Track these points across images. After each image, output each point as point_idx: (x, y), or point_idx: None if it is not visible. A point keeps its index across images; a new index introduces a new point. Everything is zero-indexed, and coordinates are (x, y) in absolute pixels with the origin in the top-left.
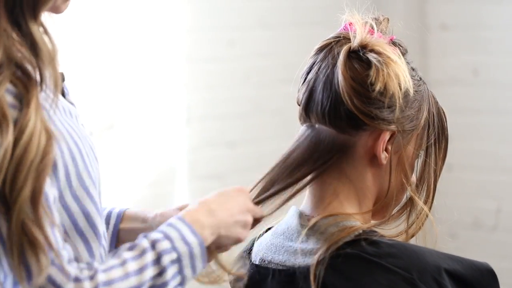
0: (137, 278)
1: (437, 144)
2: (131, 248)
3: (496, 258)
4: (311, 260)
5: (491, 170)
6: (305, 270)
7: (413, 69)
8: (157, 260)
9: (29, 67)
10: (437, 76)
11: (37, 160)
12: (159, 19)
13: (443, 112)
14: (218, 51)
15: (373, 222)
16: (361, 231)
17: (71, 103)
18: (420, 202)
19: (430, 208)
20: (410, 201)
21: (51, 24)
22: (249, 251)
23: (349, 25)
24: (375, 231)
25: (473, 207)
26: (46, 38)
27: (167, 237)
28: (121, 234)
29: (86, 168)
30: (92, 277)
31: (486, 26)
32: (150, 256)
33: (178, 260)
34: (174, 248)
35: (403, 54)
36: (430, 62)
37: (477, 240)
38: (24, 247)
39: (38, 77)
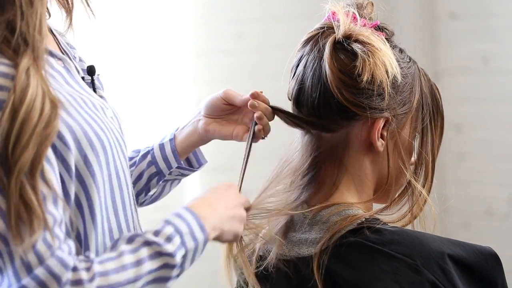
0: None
1: (432, 123)
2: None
3: (509, 246)
4: (315, 249)
5: (503, 158)
6: (309, 259)
7: (401, 51)
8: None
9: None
10: (446, 65)
11: (41, 126)
12: (166, 14)
13: (437, 89)
14: (227, 44)
15: (375, 209)
16: (363, 219)
17: (101, 97)
18: (417, 185)
19: (430, 188)
20: (410, 184)
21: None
22: None
23: (332, 14)
24: (378, 219)
25: (485, 196)
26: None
27: (177, 231)
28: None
29: (113, 159)
30: (88, 268)
31: (495, 14)
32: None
33: (184, 255)
34: (183, 244)
35: (390, 37)
36: (439, 51)
37: (489, 229)
38: (20, 209)
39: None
